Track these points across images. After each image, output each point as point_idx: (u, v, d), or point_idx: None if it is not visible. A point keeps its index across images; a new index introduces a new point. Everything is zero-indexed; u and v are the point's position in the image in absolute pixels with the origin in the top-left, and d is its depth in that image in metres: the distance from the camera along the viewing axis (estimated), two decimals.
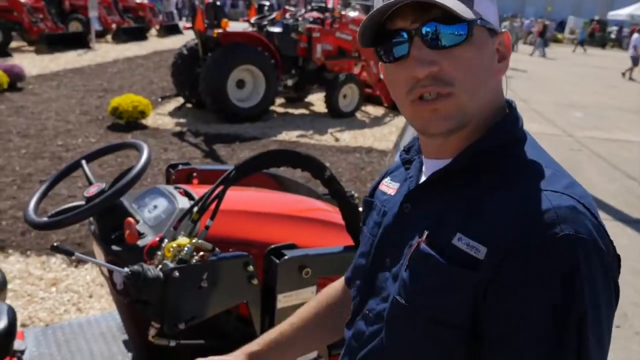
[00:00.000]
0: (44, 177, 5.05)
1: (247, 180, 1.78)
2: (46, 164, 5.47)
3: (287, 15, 9.37)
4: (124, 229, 1.69)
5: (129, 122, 7.04)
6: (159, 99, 8.66)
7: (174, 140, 6.68)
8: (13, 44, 13.55)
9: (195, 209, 1.65)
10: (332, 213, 2.12)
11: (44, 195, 1.85)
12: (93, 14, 14.24)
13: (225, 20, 7.83)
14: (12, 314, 1.72)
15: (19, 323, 1.82)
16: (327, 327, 1.15)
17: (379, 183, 1.08)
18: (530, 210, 0.75)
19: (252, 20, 8.65)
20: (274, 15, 8.77)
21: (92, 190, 1.73)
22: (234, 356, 1.06)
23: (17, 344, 1.94)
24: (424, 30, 0.79)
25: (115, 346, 2.18)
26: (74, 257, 1.42)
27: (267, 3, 9.86)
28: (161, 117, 7.78)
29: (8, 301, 2.35)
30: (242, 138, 6.91)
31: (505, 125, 0.86)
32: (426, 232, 0.83)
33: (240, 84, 7.66)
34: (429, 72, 0.79)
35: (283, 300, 1.67)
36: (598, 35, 33.97)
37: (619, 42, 33.74)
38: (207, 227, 1.60)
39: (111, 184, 1.80)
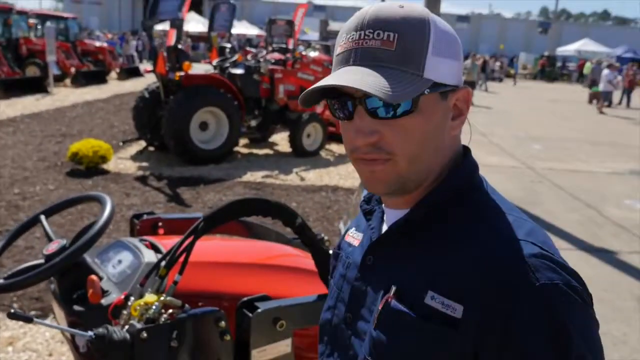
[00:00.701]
0: None
1: None
2: (2, 214, 5.26)
3: (249, 57, 9.44)
4: (87, 287, 1.61)
5: (90, 168, 6.88)
6: (121, 143, 8.51)
7: (137, 185, 6.54)
8: None
9: (163, 263, 1.59)
10: (304, 259, 2.08)
11: None
12: (51, 58, 14.04)
13: (187, 62, 7.82)
14: None
15: None
16: None
17: (346, 234, 1.06)
18: (500, 263, 0.74)
19: (214, 62, 8.68)
20: (236, 57, 8.82)
21: (52, 247, 1.65)
22: None
23: None
24: (367, 101, 0.78)
25: None
26: (32, 323, 1.33)
27: (229, 45, 9.90)
28: (123, 162, 7.64)
29: None
30: (207, 180, 6.83)
31: (458, 173, 0.85)
32: (394, 288, 0.81)
33: (204, 126, 7.62)
34: (367, 142, 0.79)
35: (257, 356, 1.60)
36: (548, 70, 35.54)
37: (569, 76, 35.40)
38: (175, 283, 1.54)
39: (72, 240, 1.72)
